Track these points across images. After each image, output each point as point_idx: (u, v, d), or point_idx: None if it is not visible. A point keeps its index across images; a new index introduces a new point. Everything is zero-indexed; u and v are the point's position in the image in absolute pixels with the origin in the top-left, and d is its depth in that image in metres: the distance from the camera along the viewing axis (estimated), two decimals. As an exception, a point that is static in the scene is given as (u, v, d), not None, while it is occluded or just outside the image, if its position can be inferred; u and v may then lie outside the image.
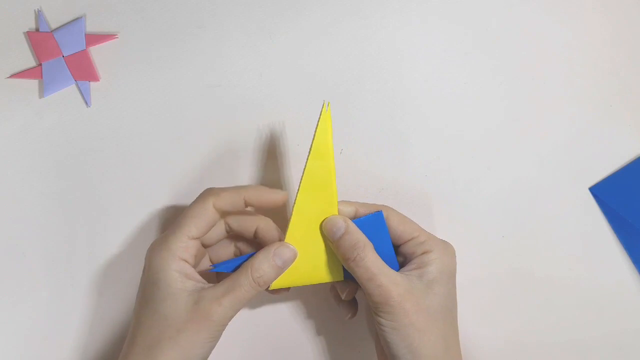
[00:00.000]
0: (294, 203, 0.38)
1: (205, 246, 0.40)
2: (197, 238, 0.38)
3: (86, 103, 0.45)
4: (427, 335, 0.36)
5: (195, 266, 0.38)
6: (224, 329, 0.36)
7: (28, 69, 0.45)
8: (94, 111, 0.45)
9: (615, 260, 0.46)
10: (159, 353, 0.35)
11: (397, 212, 0.40)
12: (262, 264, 0.37)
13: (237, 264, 0.38)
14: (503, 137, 0.46)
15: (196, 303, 0.35)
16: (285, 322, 0.45)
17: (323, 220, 0.38)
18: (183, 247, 0.37)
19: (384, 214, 0.39)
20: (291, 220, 0.38)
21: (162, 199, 0.45)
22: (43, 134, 0.45)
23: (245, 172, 0.45)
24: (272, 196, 0.39)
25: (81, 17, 0.45)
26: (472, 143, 0.46)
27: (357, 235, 0.38)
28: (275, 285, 0.38)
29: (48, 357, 0.44)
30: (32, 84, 0.45)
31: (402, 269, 0.39)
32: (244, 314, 0.44)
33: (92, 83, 0.45)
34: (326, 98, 0.38)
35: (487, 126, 0.46)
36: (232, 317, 0.36)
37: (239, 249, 0.42)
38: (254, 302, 0.45)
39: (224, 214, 0.39)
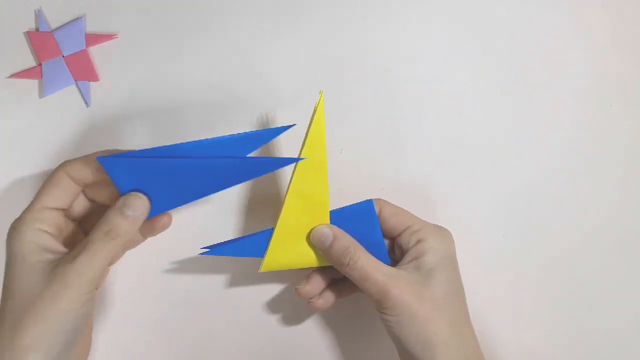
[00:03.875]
0: (289, 184, 0.38)
1: (72, 219, 0.38)
2: (56, 208, 0.36)
3: (86, 103, 0.45)
4: (434, 324, 0.36)
5: (62, 238, 0.36)
6: (87, 294, 0.34)
7: (28, 69, 0.45)
8: (94, 111, 0.45)
9: (615, 260, 0.46)
10: (23, 331, 0.32)
11: (390, 203, 0.40)
12: (111, 216, 0.35)
13: (236, 244, 0.38)
14: (503, 137, 0.46)
15: (52, 271, 0.33)
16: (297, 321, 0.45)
17: (309, 232, 0.39)
18: (39, 217, 0.35)
19: (378, 205, 0.39)
20: (285, 201, 0.38)
21: (162, 199, 0.45)
22: (43, 134, 0.45)
23: (245, 172, 0.45)
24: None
25: (81, 17, 0.45)
26: (472, 143, 0.46)
27: (346, 240, 0.38)
28: (265, 267, 0.39)
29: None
30: (32, 84, 0.45)
31: (399, 264, 0.39)
32: (250, 312, 0.44)
33: (92, 83, 0.45)
34: (326, 98, 0.38)
35: (487, 126, 0.46)
36: (91, 278, 0.34)
37: None
38: (261, 301, 0.45)
39: (82, 183, 0.37)
